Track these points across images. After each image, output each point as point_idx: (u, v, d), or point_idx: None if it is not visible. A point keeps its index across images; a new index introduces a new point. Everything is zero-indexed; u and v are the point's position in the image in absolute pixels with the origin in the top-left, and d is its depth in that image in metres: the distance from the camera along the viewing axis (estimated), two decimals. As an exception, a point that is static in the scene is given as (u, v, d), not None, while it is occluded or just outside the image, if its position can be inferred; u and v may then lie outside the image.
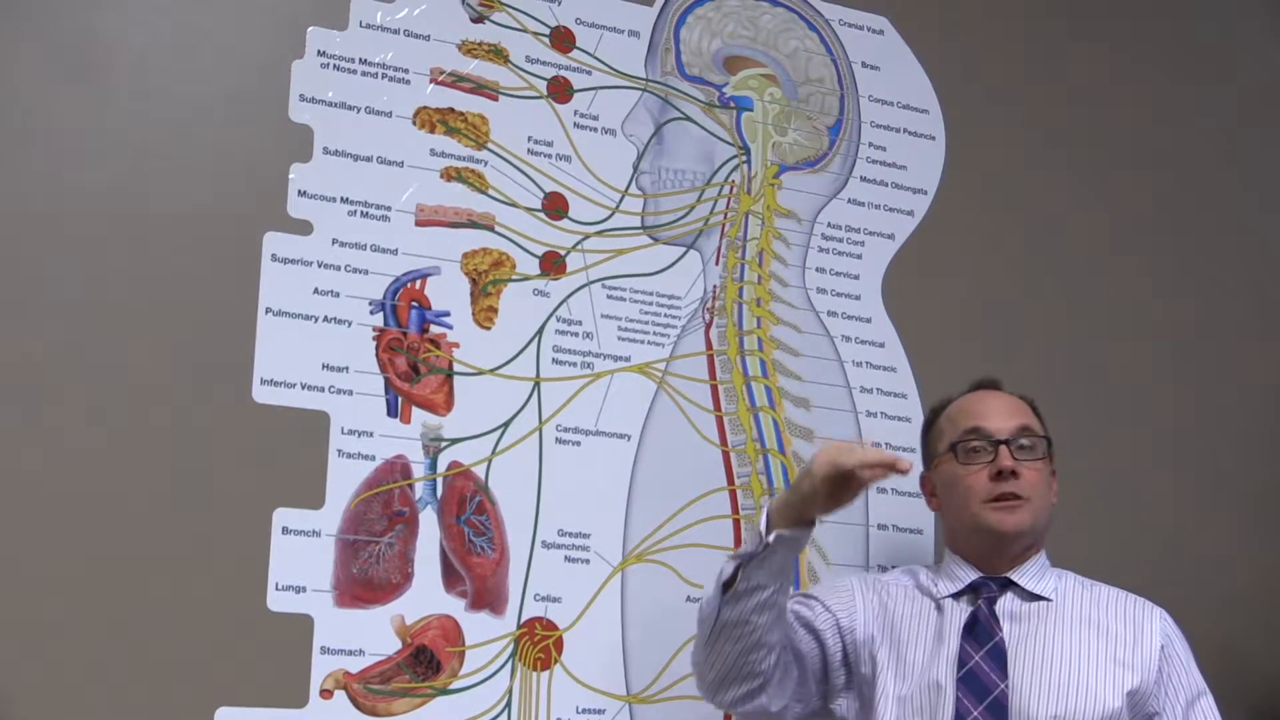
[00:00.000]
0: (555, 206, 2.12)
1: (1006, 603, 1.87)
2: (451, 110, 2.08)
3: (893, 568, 2.20)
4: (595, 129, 2.17)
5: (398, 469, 1.95)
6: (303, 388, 1.92)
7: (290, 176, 1.96)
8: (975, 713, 1.78)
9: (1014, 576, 1.88)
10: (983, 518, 1.87)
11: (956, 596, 1.89)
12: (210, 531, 1.83)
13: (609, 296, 2.13)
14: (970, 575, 1.90)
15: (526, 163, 2.11)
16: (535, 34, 2.16)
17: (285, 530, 1.88)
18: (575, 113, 2.16)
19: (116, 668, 1.76)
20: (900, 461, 1.65)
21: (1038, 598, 1.88)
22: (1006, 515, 1.86)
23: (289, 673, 1.85)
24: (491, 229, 2.07)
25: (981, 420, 1.91)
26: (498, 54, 2.12)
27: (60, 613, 1.75)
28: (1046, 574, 1.91)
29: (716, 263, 2.22)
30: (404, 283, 2.00)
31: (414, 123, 2.05)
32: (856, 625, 1.88)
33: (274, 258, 1.93)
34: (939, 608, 1.89)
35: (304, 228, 1.96)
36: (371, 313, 1.98)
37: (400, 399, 1.97)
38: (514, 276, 2.07)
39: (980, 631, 1.85)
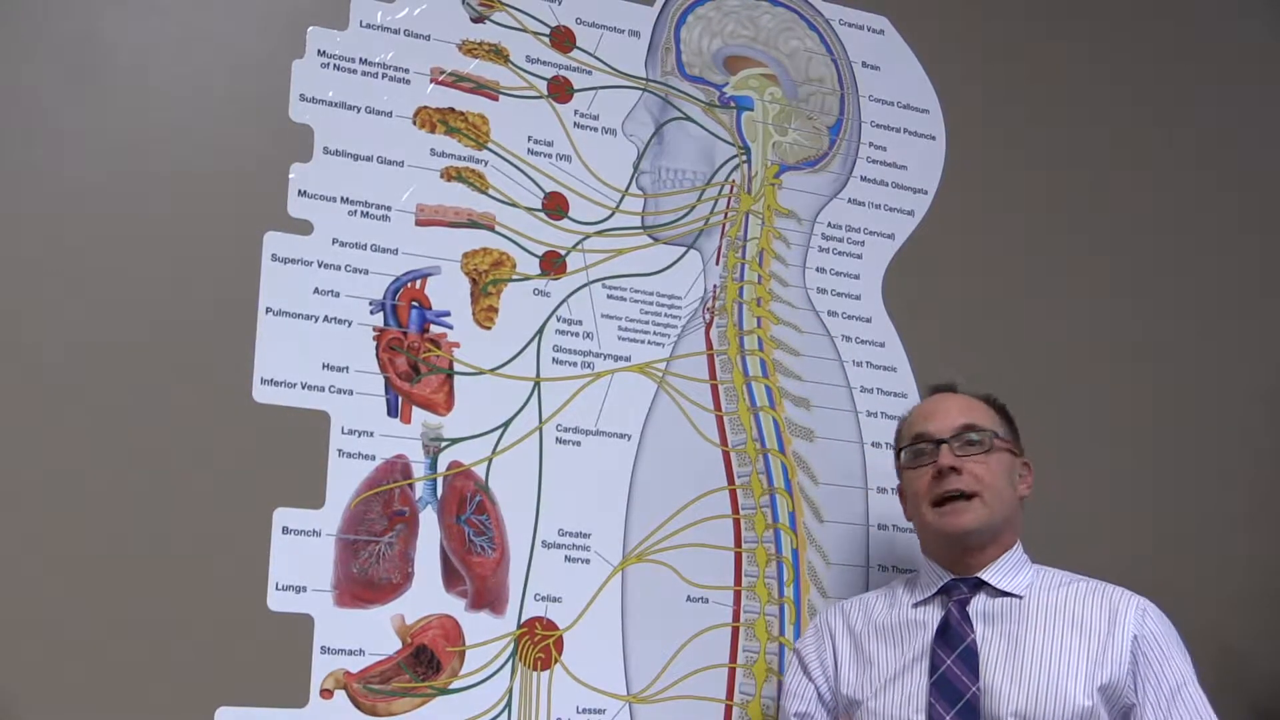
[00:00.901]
0: (555, 206, 2.12)
1: (979, 604, 1.86)
2: (452, 110, 2.08)
3: (893, 568, 2.21)
4: (595, 129, 2.17)
5: (398, 469, 1.95)
6: (303, 388, 1.92)
7: (290, 176, 1.96)
8: (947, 718, 1.78)
9: (984, 575, 1.87)
10: (933, 523, 1.88)
11: (929, 601, 1.90)
12: (210, 531, 1.83)
13: (609, 296, 2.13)
14: (942, 579, 1.90)
15: (527, 162, 2.11)
16: (535, 34, 2.16)
17: (285, 530, 1.88)
18: (575, 112, 2.16)
19: (116, 667, 1.76)
20: None
21: (1009, 595, 1.86)
22: (953, 518, 1.86)
23: (289, 672, 1.85)
24: (492, 229, 2.07)
25: (925, 424, 1.93)
26: (498, 54, 2.12)
27: (60, 613, 1.75)
28: (1020, 571, 1.89)
29: (717, 262, 2.21)
30: (404, 282, 2.00)
31: (414, 122, 2.05)
32: (831, 677, 1.93)
33: (274, 258, 1.93)
34: (912, 614, 1.89)
35: (304, 227, 1.96)
36: (372, 312, 1.98)
37: (400, 399, 1.97)
38: (514, 276, 2.07)
39: (952, 635, 1.84)
